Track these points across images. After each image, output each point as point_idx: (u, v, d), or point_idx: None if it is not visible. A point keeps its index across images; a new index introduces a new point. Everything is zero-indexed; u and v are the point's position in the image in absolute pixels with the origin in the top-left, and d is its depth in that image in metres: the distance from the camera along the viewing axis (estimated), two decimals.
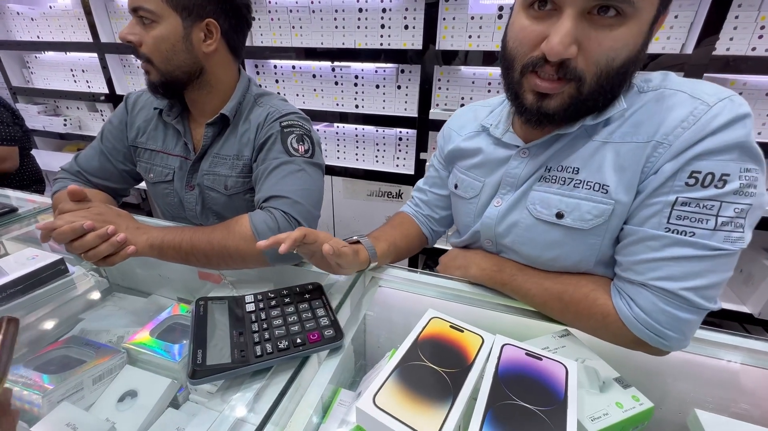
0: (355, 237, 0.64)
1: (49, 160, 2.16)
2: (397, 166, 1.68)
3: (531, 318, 0.58)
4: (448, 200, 0.76)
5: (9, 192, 0.99)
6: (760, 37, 1.12)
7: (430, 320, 0.50)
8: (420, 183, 0.81)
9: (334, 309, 0.55)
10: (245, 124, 0.75)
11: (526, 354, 0.45)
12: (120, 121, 0.83)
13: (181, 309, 0.66)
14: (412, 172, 1.59)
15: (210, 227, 0.65)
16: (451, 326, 0.49)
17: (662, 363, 0.50)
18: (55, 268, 0.64)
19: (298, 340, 0.47)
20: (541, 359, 0.44)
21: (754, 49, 1.13)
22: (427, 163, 1.54)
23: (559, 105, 0.46)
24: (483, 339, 0.47)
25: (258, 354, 0.46)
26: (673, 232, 0.43)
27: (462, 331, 0.48)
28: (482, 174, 0.63)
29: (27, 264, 0.63)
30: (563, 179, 0.51)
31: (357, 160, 1.73)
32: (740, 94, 1.20)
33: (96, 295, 0.81)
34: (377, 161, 1.70)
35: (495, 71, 1.41)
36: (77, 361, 0.51)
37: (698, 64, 1.12)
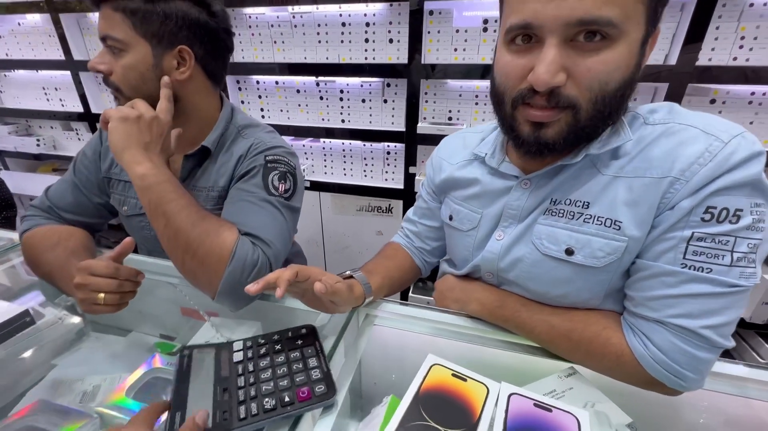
0: (348, 272, 0.60)
1: (22, 182, 2.07)
2: (386, 180, 1.65)
3: (534, 355, 0.55)
4: (439, 231, 0.73)
5: None
6: (741, 47, 1.13)
7: (430, 368, 0.47)
8: (410, 213, 0.78)
9: (327, 355, 0.51)
10: (225, 155, 0.71)
11: (535, 405, 0.42)
12: (94, 152, 0.78)
13: (162, 352, 0.61)
14: (402, 186, 1.57)
15: (204, 214, 0.59)
16: (453, 374, 0.46)
17: (674, 401, 0.48)
18: (19, 321, 0.59)
19: (287, 398, 0.44)
20: (551, 410, 0.42)
21: (735, 59, 1.15)
22: (416, 188, 1.52)
23: (557, 133, 0.45)
24: (488, 389, 0.44)
25: (242, 416, 0.42)
26: (689, 268, 0.42)
27: (465, 380, 0.45)
28: (480, 205, 0.60)
29: None
30: (571, 213, 0.49)
31: (345, 174, 1.70)
32: (723, 103, 1.23)
33: (70, 337, 0.75)
34: (365, 176, 1.67)
35: (482, 84, 1.40)
36: None
37: (682, 72, 1.13)
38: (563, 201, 0.50)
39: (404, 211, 1.60)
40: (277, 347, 0.51)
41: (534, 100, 0.43)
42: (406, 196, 1.57)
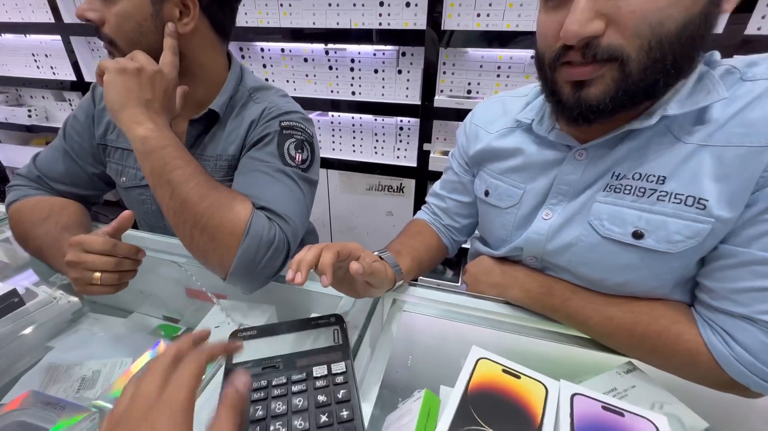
0: (375, 253, 0.54)
1: (14, 155, 1.98)
2: (398, 158, 1.57)
3: (585, 347, 0.49)
4: (470, 207, 0.66)
5: None
6: None
7: (477, 362, 0.41)
8: (437, 187, 0.71)
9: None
10: (236, 121, 0.64)
11: (603, 408, 0.36)
12: (86, 116, 0.70)
13: (166, 335, 0.55)
14: (415, 164, 1.49)
15: (214, 184, 0.51)
16: (504, 370, 0.40)
17: (752, 404, 0.42)
18: (6, 301, 0.52)
19: None
20: (623, 415, 0.36)
21: None
22: (430, 166, 1.44)
23: (602, 92, 0.38)
24: (546, 389, 0.38)
25: None
26: None
27: (519, 377, 0.39)
28: (523, 179, 0.53)
29: None
30: (641, 189, 0.42)
31: (354, 151, 1.62)
32: None
33: (66, 318, 0.70)
34: (376, 152, 1.59)
35: (505, 54, 1.30)
36: (37, 429, 0.40)
37: (728, 45, 1.04)
38: (630, 175, 0.43)
39: (417, 191, 1.53)
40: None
41: (570, 57, 0.38)
42: (420, 174, 1.49)
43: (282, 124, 0.61)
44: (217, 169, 0.64)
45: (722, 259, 0.40)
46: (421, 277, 0.65)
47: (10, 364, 0.59)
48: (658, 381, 0.43)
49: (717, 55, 0.42)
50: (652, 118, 0.40)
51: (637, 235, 0.42)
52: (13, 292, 0.53)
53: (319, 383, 0.38)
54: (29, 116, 1.98)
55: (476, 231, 0.70)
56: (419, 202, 1.55)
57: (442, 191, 0.69)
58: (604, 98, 0.38)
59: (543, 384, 0.39)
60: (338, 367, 0.40)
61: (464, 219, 0.67)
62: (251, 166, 0.58)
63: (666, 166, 0.41)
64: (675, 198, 0.40)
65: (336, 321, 0.46)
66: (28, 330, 0.62)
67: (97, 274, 0.48)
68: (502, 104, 0.60)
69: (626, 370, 0.45)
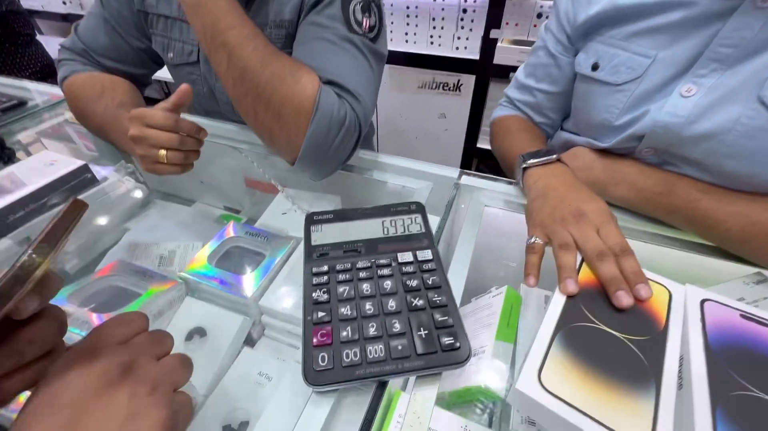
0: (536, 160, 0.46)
1: (57, 46, 1.95)
2: (458, 48, 1.36)
3: (702, 254, 0.42)
4: (562, 98, 0.55)
5: (13, 81, 0.84)
6: None
7: (582, 262, 0.36)
8: (521, 77, 0.59)
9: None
10: None
11: (742, 316, 0.31)
12: None
13: (235, 221, 0.55)
14: (477, 57, 1.29)
15: (274, 49, 0.44)
16: None
17: None
18: (81, 176, 0.52)
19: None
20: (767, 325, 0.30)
21: None
22: (495, 59, 1.23)
23: None
24: (670, 292, 0.33)
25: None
26: None
27: None
28: (655, 44, 0.41)
29: (46, 172, 0.51)
30: None
31: (407, 41, 1.42)
32: None
33: (137, 203, 0.72)
34: (432, 42, 1.39)
35: None
36: (130, 293, 0.42)
37: None
38: None
39: (476, 90, 1.36)
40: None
41: None
42: (482, 69, 1.31)
43: None
44: (274, 38, 0.55)
45: None
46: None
47: (96, 241, 0.62)
48: None
49: None
50: None
51: None
52: (85, 167, 0.53)
53: (406, 269, 0.36)
54: (64, 3, 1.88)
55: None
56: (478, 103, 1.39)
57: (529, 80, 0.57)
58: None
59: (666, 288, 0.33)
60: (424, 254, 0.37)
61: (556, 113, 0.57)
62: (312, 33, 0.49)
63: None
64: None
65: (417, 208, 0.42)
66: (105, 211, 0.65)
67: (163, 152, 0.45)
68: None
69: (756, 281, 0.38)
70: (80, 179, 0.52)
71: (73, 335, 0.35)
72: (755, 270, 0.40)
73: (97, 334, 0.22)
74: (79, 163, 0.53)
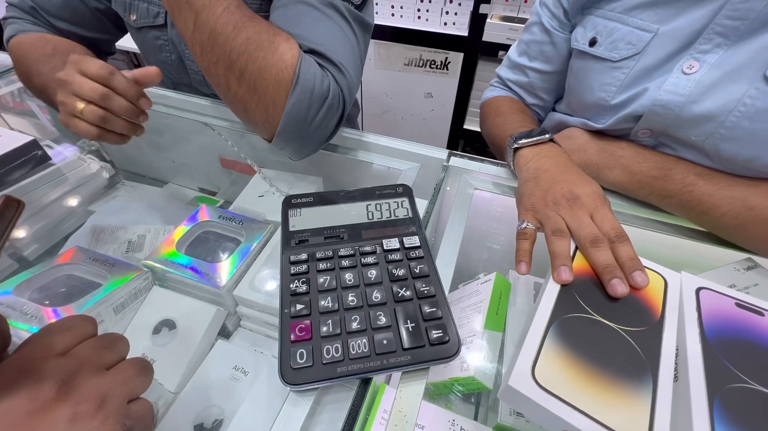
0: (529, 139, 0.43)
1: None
2: (446, 24, 1.31)
3: (693, 239, 0.42)
4: (555, 78, 0.53)
5: None
6: None
7: (575, 251, 0.34)
8: (514, 56, 0.56)
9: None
10: None
11: (738, 305, 0.30)
12: None
13: (209, 203, 0.51)
14: (466, 33, 1.25)
15: (249, 12, 0.40)
16: None
17: None
18: (29, 153, 0.47)
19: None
20: (763, 314, 0.30)
21: None
22: (485, 35, 1.18)
23: None
24: (665, 280, 0.32)
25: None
26: None
27: None
28: (658, 18, 0.39)
29: None
30: None
31: (393, 15, 1.36)
32: None
33: (101, 183, 0.67)
34: (420, 17, 1.33)
35: None
36: (89, 283, 0.38)
37: None
38: None
39: (464, 68, 1.32)
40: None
41: None
42: (470, 47, 1.26)
43: None
44: (246, 1, 0.50)
45: None
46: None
47: (55, 225, 0.57)
48: None
49: None
50: None
51: None
52: (34, 143, 0.47)
53: (392, 257, 0.33)
54: None
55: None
56: (466, 83, 1.35)
57: (522, 59, 0.55)
58: None
59: (661, 276, 0.32)
60: (411, 241, 0.35)
61: (548, 94, 0.55)
62: None
63: None
64: None
65: (404, 192, 0.39)
66: (66, 192, 0.59)
67: (82, 104, 0.39)
68: None
69: (747, 267, 0.38)
70: (28, 156, 0.47)
71: (21, 332, 0.31)
72: (746, 255, 0.39)
73: (31, 345, 0.19)
74: (26, 138, 0.47)
